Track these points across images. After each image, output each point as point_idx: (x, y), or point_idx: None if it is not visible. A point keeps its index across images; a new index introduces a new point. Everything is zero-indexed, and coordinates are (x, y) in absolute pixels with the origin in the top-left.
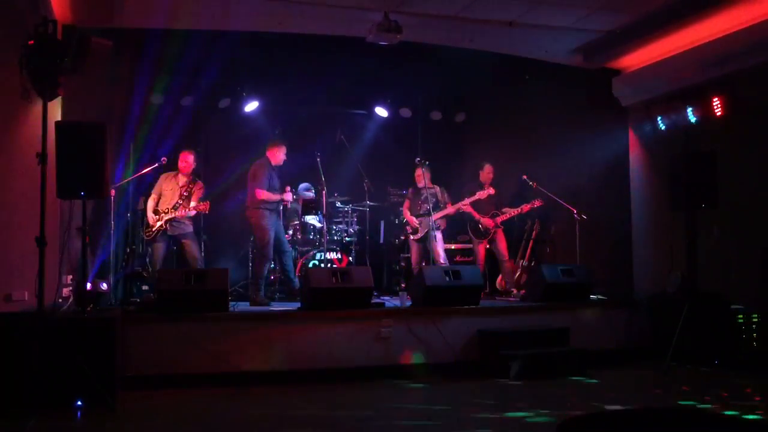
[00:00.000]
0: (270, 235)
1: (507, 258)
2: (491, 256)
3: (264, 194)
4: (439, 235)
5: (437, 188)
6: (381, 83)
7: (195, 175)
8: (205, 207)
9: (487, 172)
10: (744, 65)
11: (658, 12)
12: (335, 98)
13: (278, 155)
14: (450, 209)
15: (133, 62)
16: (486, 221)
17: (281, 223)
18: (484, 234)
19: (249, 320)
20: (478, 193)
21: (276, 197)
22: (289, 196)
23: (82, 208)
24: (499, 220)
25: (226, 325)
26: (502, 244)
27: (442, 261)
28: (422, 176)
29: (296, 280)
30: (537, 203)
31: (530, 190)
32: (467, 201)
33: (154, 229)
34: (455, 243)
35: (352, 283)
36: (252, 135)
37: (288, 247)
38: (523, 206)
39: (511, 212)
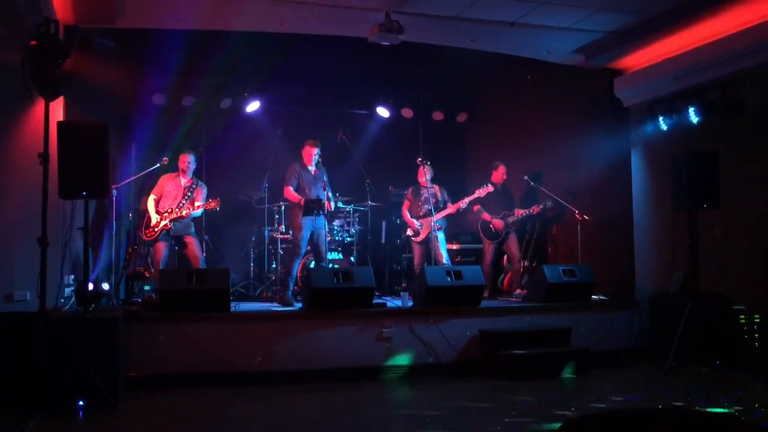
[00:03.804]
0: (302, 234)
1: (518, 260)
2: (498, 257)
3: (288, 193)
4: (441, 235)
5: (436, 187)
6: (383, 83)
7: (196, 177)
8: (216, 204)
9: (500, 173)
10: (746, 65)
11: (659, 13)
12: (337, 98)
13: (305, 154)
14: (450, 209)
15: (135, 63)
16: (497, 223)
17: (323, 229)
18: (495, 235)
19: (251, 320)
20: (477, 191)
21: (295, 199)
22: (301, 200)
23: (84, 209)
24: (510, 220)
25: (227, 325)
26: (513, 246)
27: (444, 261)
28: (424, 175)
29: None
30: (549, 204)
31: (537, 191)
32: (467, 199)
33: (157, 229)
34: (456, 243)
35: (353, 283)
36: (254, 135)
37: (325, 254)
38: (533, 207)
39: (521, 212)
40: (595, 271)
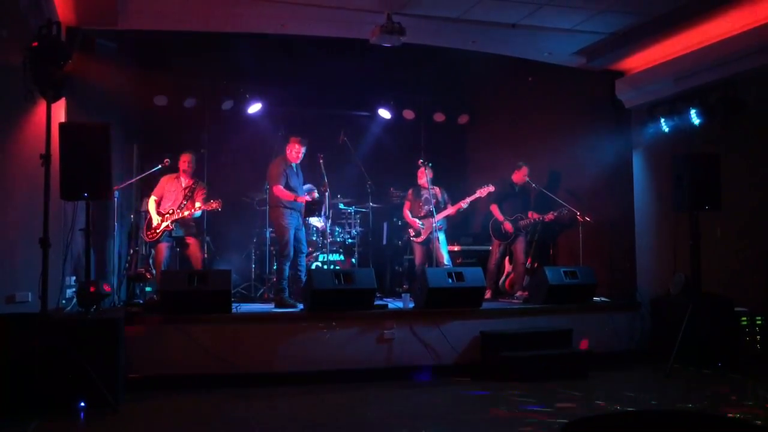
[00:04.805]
0: (290, 235)
1: (521, 262)
2: (504, 257)
3: (281, 192)
4: (441, 236)
5: (436, 189)
6: (384, 85)
7: (197, 178)
8: (217, 204)
9: (523, 173)
10: (747, 67)
11: (660, 14)
12: (338, 100)
13: (291, 151)
14: (450, 209)
15: (136, 64)
16: (507, 225)
17: (302, 222)
18: (504, 236)
19: (252, 322)
20: (478, 191)
21: (290, 197)
22: (303, 200)
23: (85, 210)
24: (522, 224)
25: (228, 327)
26: (520, 249)
27: (444, 263)
28: (424, 176)
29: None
30: (564, 212)
31: (551, 198)
32: (467, 200)
33: (158, 231)
34: (458, 245)
35: (354, 284)
36: (255, 137)
37: (305, 248)
38: (548, 214)
39: (535, 216)
40: (596, 273)
